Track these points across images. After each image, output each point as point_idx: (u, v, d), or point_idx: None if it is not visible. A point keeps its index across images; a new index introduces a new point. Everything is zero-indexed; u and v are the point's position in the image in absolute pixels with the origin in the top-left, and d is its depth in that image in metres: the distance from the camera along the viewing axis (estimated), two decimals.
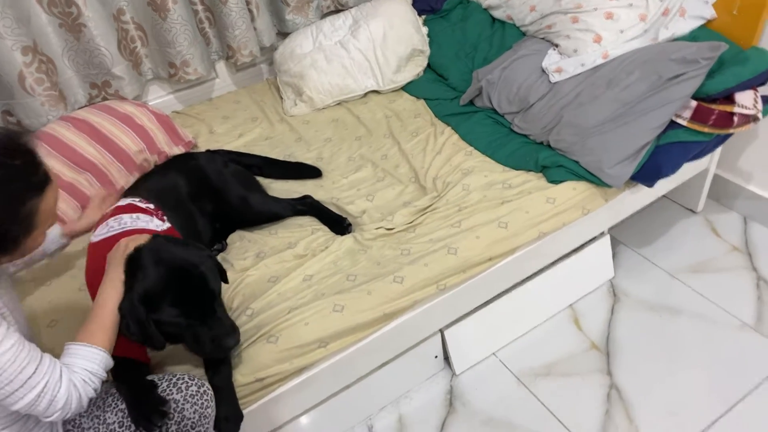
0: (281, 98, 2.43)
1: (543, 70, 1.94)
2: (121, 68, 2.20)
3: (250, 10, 2.35)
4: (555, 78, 1.89)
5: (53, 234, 1.51)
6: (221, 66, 2.54)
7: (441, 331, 1.71)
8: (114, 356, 1.16)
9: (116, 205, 1.50)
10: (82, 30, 2.07)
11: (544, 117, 1.86)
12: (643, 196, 1.87)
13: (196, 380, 1.21)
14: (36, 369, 0.97)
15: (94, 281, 1.43)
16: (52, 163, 1.88)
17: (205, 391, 1.21)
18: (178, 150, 2.12)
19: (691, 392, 1.64)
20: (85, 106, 2.21)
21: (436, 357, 1.77)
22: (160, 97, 2.45)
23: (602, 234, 1.93)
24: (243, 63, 2.43)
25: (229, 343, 1.26)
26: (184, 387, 1.18)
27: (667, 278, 1.99)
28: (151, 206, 1.50)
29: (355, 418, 1.70)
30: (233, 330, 1.28)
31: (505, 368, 1.79)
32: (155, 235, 1.34)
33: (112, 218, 1.46)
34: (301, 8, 2.49)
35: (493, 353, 1.84)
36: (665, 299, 1.92)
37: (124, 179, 1.98)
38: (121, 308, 1.21)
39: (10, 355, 0.94)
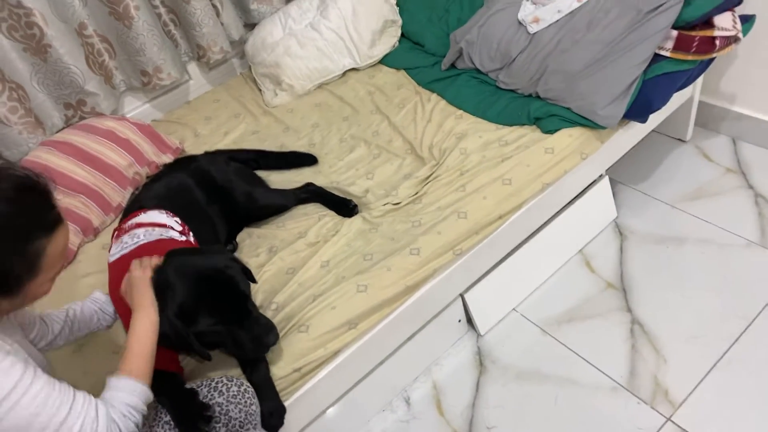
0: (260, 90, 2.40)
1: (520, 23, 1.93)
2: (94, 84, 2.14)
3: (214, 6, 2.30)
4: (533, 29, 1.89)
5: (109, 308, 1.41)
6: (193, 67, 2.49)
7: (461, 295, 1.73)
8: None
9: (136, 221, 1.47)
10: (47, 51, 2.01)
11: (528, 69, 1.86)
12: (635, 132, 1.90)
13: (235, 380, 1.22)
14: (70, 409, 0.92)
15: (116, 297, 1.42)
16: None
17: (245, 389, 1.22)
18: (167, 158, 2.09)
19: (710, 314, 1.68)
20: (64, 128, 2.16)
21: (459, 321, 1.80)
22: (136, 108, 2.41)
23: (601, 176, 1.95)
24: (215, 60, 2.38)
25: (269, 340, 1.27)
26: (225, 389, 1.19)
27: (668, 209, 2.03)
28: (176, 220, 1.49)
29: (391, 392, 1.72)
30: (271, 327, 1.28)
31: (527, 321, 1.83)
32: (171, 251, 1.33)
33: (127, 234, 1.45)
34: None
35: (513, 309, 1.87)
36: (670, 230, 1.96)
37: (119, 196, 1.95)
38: (162, 330, 1.20)
39: (41, 399, 0.89)
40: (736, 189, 2.02)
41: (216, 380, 1.20)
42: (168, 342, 1.22)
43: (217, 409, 1.16)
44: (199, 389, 1.19)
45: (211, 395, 1.18)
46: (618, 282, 1.85)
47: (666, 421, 1.50)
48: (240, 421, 1.19)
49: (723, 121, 2.20)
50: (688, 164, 2.17)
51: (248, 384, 1.24)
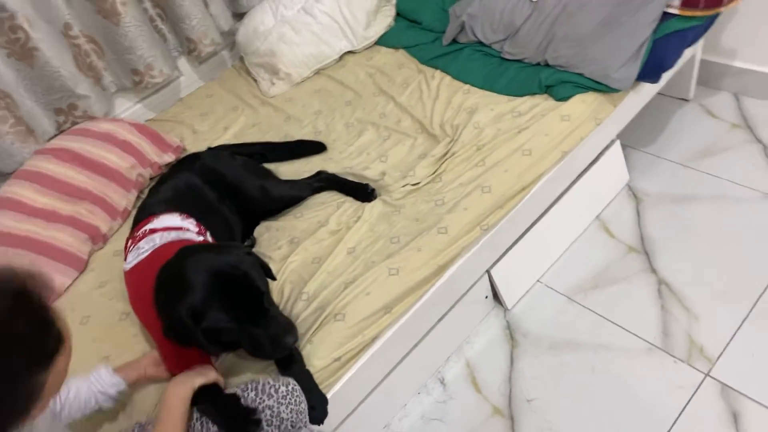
0: (255, 81, 2.34)
1: None
2: (85, 86, 2.06)
3: None
4: None
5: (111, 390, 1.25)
6: (183, 62, 2.41)
7: (487, 271, 1.71)
8: None
9: (150, 227, 1.42)
10: (33, 55, 1.92)
11: (534, 37, 1.84)
12: (644, 94, 1.89)
13: (281, 380, 1.18)
14: None
15: (138, 306, 1.37)
16: (46, 200, 1.77)
17: (293, 388, 1.18)
18: (168, 158, 2.02)
19: (735, 268, 1.69)
20: (56, 134, 2.08)
21: (486, 297, 1.78)
22: (127, 109, 2.33)
23: (612, 141, 1.94)
24: (206, 54, 2.31)
25: (288, 341, 1.20)
26: (273, 391, 1.16)
27: (680, 169, 2.03)
28: (191, 222, 1.44)
29: (425, 374, 1.71)
30: (291, 327, 1.22)
31: (553, 291, 1.82)
32: (184, 247, 1.29)
33: (142, 240, 1.40)
34: None
35: (538, 280, 1.86)
36: (684, 189, 1.96)
37: (124, 200, 1.89)
38: (168, 328, 1.17)
39: None
40: (744, 143, 2.03)
41: (262, 382, 1.16)
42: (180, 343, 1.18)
43: (268, 411, 1.13)
44: (245, 393, 1.15)
45: (261, 398, 1.14)
46: (639, 245, 1.85)
47: (705, 377, 1.51)
48: (291, 421, 1.16)
49: (724, 78, 2.20)
50: (693, 123, 2.17)
51: (294, 382, 1.20)
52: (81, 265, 1.75)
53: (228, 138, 2.08)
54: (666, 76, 1.89)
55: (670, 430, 1.44)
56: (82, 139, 1.91)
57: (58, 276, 1.69)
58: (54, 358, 0.78)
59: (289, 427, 1.15)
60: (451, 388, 1.68)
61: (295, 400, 1.16)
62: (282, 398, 1.14)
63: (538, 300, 1.81)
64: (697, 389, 1.49)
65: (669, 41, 1.69)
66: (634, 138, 2.17)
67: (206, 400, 1.17)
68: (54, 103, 2.07)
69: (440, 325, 1.65)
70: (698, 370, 1.52)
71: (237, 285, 1.18)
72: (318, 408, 1.27)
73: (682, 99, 2.26)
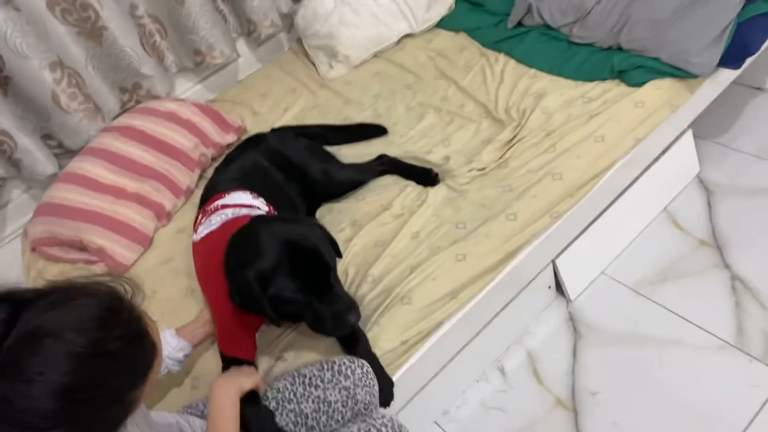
0: (313, 64, 2.33)
1: None
2: (150, 66, 2.09)
3: None
4: None
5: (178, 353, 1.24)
6: (241, 44, 2.42)
7: (552, 261, 1.67)
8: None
9: (221, 202, 1.43)
10: (102, 34, 1.96)
11: (607, 19, 1.77)
12: (722, 81, 1.79)
13: (356, 362, 1.18)
14: None
15: (205, 276, 1.39)
16: (114, 177, 1.81)
17: (368, 370, 1.18)
18: (230, 138, 2.04)
19: None
20: (121, 113, 2.12)
21: (549, 288, 1.74)
22: (188, 90, 2.35)
23: (684, 130, 1.86)
24: (266, 35, 2.31)
25: (350, 319, 1.20)
26: (350, 372, 1.15)
27: (754, 160, 1.94)
28: (261, 201, 1.45)
29: (485, 363, 1.69)
30: (354, 306, 1.22)
31: (618, 283, 1.77)
32: (255, 216, 1.30)
33: (214, 214, 1.41)
34: None
35: (602, 272, 1.81)
36: (759, 181, 1.87)
37: (187, 178, 1.91)
38: (235, 291, 1.18)
39: None
40: None
41: (338, 363, 1.16)
42: (242, 307, 1.19)
43: (344, 393, 1.13)
44: (320, 373, 1.15)
45: (337, 379, 1.14)
46: (711, 238, 1.78)
47: None
48: (365, 403, 1.15)
49: None
50: None
51: (368, 365, 1.20)
52: (146, 242, 1.78)
53: (288, 119, 2.08)
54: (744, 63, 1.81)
55: (746, 430, 1.38)
56: (148, 118, 1.94)
57: (125, 251, 1.73)
58: (149, 372, 0.75)
59: (362, 410, 1.15)
60: (512, 377, 1.66)
61: (370, 383, 1.16)
62: (358, 380, 1.14)
63: (602, 292, 1.76)
64: None
65: (755, 24, 1.60)
66: (705, 128, 2.07)
67: (245, 407, 1.12)
68: (119, 82, 2.11)
69: (502, 314, 1.62)
70: None
71: (306, 256, 1.19)
72: (385, 391, 1.26)
73: (757, 88, 2.15)
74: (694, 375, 1.51)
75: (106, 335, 0.69)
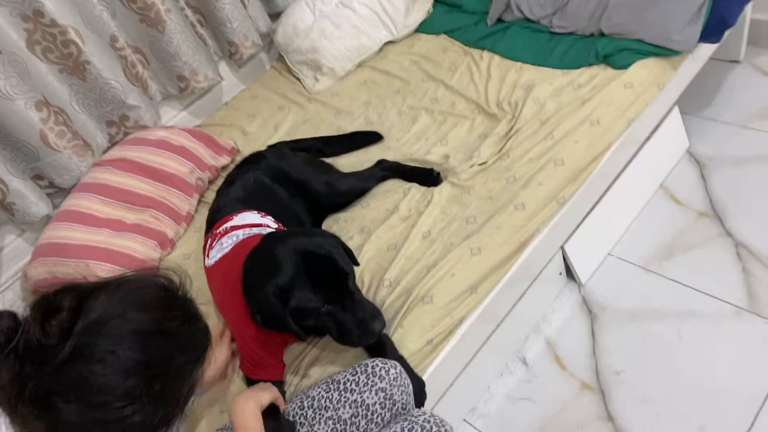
0: (298, 79, 2.33)
1: None
2: (135, 96, 2.07)
3: None
4: None
5: None
6: (222, 67, 2.41)
7: (561, 247, 1.69)
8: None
9: (230, 224, 1.42)
10: (85, 68, 1.93)
11: (586, 8, 1.81)
12: (702, 56, 1.85)
13: (388, 363, 1.17)
14: None
15: (223, 299, 1.37)
16: (111, 210, 1.78)
17: (401, 370, 1.17)
18: (224, 160, 2.03)
19: None
20: (110, 147, 2.10)
21: (560, 274, 1.76)
22: (173, 117, 2.33)
23: (671, 107, 1.91)
24: (248, 56, 2.31)
25: (376, 327, 1.18)
26: (384, 372, 1.14)
27: (738, 130, 1.99)
28: (269, 219, 1.44)
29: (506, 355, 1.69)
30: (377, 312, 1.20)
31: (626, 263, 1.79)
32: (268, 233, 1.30)
33: (225, 236, 1.40)
34: None
35: (609, 253, 1.83)
36: (748, 150, 1.92)
37: (187, 204, 1.89)
38: (256, 310, 1.17)
39: None
40: None
41: (371, 365, 1.15)
42: (265, 325, 1.18)
43: (381, 394, 1.12)
44: (354, 377, 1.14)
45: (372, 381, 1.13)
46: (709, 209, 1.82)
47: None
48: (402, 404, 1.14)
49: None
50: (747, 84, 2.13)
51: (400, 365, 1.19)
52: (153, 269, 1.75)
53: (280, 136, 2.07)
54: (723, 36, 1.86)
55: None
56: (139, 148, 1.92)
57: None
58: (207, 351, 0.79)
59: (400, 410, 1.14)
60: (535, 367, 1.66)
61: (404, 382, 1.15)
62: (393, 380, 1.13)
63: (612, 273, 1.79)
64: None
65: None
66: (689, 104, 2.12)
67: (266, 421, 1.10)
68: (106, 116, 2.08)
69: (518, 305, 1.62)
70: None
71: (322, 265, 1.18)
72: (418, 391, 1.26)
73: (733, 61, 2.22)
74: (713, 343, 1.53)
75: (167, 314, 0.74)
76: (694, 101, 2.13)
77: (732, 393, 1.43)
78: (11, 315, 0.70)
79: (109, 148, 2.11)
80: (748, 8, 2.03)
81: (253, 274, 1.22)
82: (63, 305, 0.70)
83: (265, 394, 1.11)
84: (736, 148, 1.94)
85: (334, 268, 1.19)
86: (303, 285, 1.16)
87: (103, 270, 1.67)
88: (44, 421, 0.68)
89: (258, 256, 1.24)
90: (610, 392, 1.54)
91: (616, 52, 1.72)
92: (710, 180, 1.89)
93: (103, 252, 1.70)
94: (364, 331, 1.19)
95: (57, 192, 2.04)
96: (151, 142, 1.94)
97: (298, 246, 1.20)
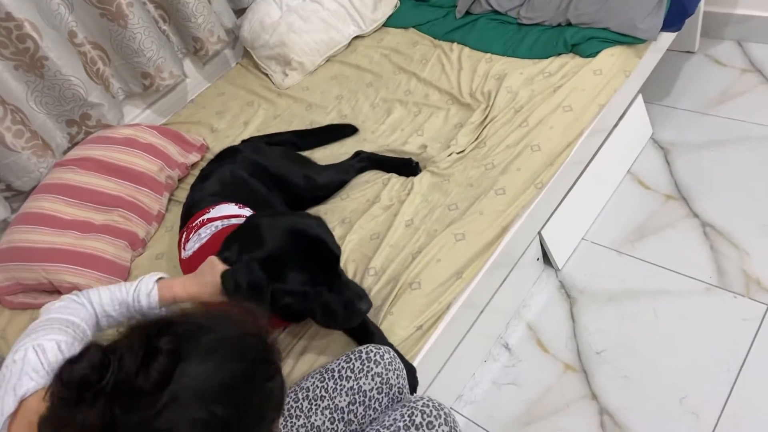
0: (266, 75, 2.30)
1: None
2: (97, 94, 1.99)
3: None
4: None
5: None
6: (187, 64, 2.35)
7: (539, 233, 1.71)
8: None
9: (207, 217, 1.38)
10: (43, 64, 1.85)
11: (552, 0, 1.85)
12: (663, 44, 1.92)
13: (382, 348, 1.15)
14: None
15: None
16: (77, 212, 1.71)
17: (394, 355, 1.16)
18: (194, 157, 1.98)
19: None
20: (71, 147, 2.01)
21: (537, 259, 1.78)
22: (137, 116, 2.26)
23: (636, 95, 1.97)
24: (213, 51, 2.27)
25: (362, 307, 1.16)
26: (379, 358, 1.12)
27: (699, 117, 2.08)
28: (247, 210, 1.40)
29: (490, 342, 1.70)
30: (364, 293, 1.18)
31: (600, 246, 1.83)
32: (253, 214, 1.26)
33: (202, 228, 1.36)
34: None
35: (582, 238, 1.87)
36: (708, 134, 2.00)
37: (157, 203, 1.83)
38: (231, 275, 1.07)
39: None
40: (757, 86, 2.08)
41: (365, 351, 1.13)
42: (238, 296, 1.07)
43: (378, 379, 1.10)
44: (348, 364, 1.12)
45: (368, 367, 1.11)
46: (675, 192, 1.88)
47: None
48: (398, 387, 1.13)
49: (726, 26, 2.26)
50: (703, 73, 2.22)
51: (400, 355, 1.18)
52: (125, 273, 1.69)
53: (251, 132, 2.04)
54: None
55: (745, 360, 1.46)
56: (104, 147, 1.85)
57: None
58: (283, 402, 0.76)
59: (397, 394, 1.12)
60: (518, 352, 1.68)
61: (399, 367, 1.14)
62: (388, 365, 1.12)
63: (587, 257, 1.83)
64: (762, 319, 1.52)
65: None
66: (650, 92, 2.19)
67: None
68: (66, 114, 2.00)
69: (499, 292, 1.64)
70: (759, 302, 1.56)
71: (313, 245, 1.14)
72: (410, 375, 1.25)
73: (688, 52, 2.31)
74: (687, 319, 1.58)
75: (261, 367, 0.71)
76: (654, 90, 2.21)
77: (709, 366, 1.48)
78: (98, 347, 0.65)
79: (70, 148, 2.02)
80: (701, 1, 2.13)
81: (236, 244, 1.12)
82: (162, 347, 0.65)
83: None
84: (696, 133, 2.02)
85: (324, 249, 1.15)
86: (293, 264, 1.10)
87: (72, 273, 1.60)
88: None
89: (243, 231, 1.17)
90: (593, 372, 1.57)
91: (583, 41, 1.77)
92: (674, 165, 1.97)
93: (71, 254, 1.62)
94: (351, 311, 1.16)
95: (15, 195, 1.94)
96: (116, 140, 1.87)
97: (287, 224, 1.15)
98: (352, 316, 1.18)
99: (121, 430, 0.62)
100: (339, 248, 1.20)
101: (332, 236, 1.20)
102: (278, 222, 1.16)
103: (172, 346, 0.65)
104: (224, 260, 1.09)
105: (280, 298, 1.11)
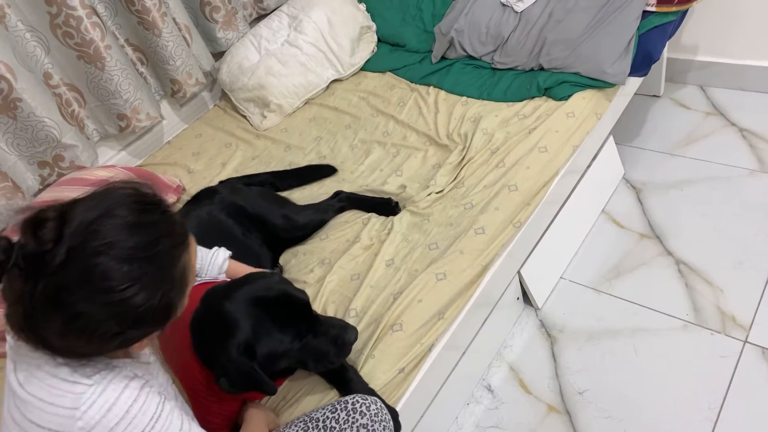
0: (244, 117, 2.31)
1: (504, 4, 2.00)
2: (71, 135, 1.96)
3: (183, 37, 2.19)
4: (520, 7, 1.96)
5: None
6: (164, 105, 2.35)
7: (518, 272, 1.72)
8: None
9: None
10: (17, 106, 1.82)
11: (525, 45, 1.92)
12: (631, 88, 2.00)
13: (368, 399, 1.13)
14: None
15: (170, 351, 1.27)
16: None
17: (381, 406, 1.13)
18: (170, 198, 1.95)
19: (745, 238, 1.78)
20: (41, 189, 1.97)
21: (517, 299, 1.79)
22: (112, 157, 2.23)
23: (607, 137, 2.03)
24: (191, 93, 2.27)
25: (350, 337, 1.17)
26: (365, 409, 1.10)
27: (667, 158, 2.14)
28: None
29: (472, 383, 1.68)
30: (346, 324, 1.19)
31: (578, 285, 1.85)
32: (207, 291, 1.21)
33: None
34: (229, 22, 2.37)
35: (560, 277, 1.89)
36: (677, 174, 2.07)
37: None
38: (221, 373, 1.09)
39: None
40: (721, 128, 2.17)
41: (351, 401, 1.10)
42: (233, 388, 1.10)
43: (363, 430, 1.07)
44: (333, 414, 1.09)
45: (353, 418, 1.08)
46: (649, 231, 1.92)
47: (744, 344, 1.56)
48: None
49: (688, 72, 2.37)
50: (669, 115, 2.31)
51: (381, 399, 1.15)
52: None
53: (228, 173, 2.02)
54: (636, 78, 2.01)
55: (725, 398, 1.47)
56: (78, 189, 1.80)
57: None
58: (188, 239, 0.87)
59: None
60: (500, 393, 1.66)
61: (385, 418, 1.11)
62: (374, 416, 1.09)
63: (565, 295, 1.84)
64: (740, 356, 1.54)
65: (652, 35, 1.81)
66: (620, 134, 2.27)
67: None
68: (38, 156, 1.96)
69: (480, 333, 1.63)
70: (736, 339, 1.57)
71: (280, 304, 1.13)
72: (393, 422, 1.21)
73: (654, 96, 2.41)
74: (667, 356, 1.59)
75: (144, 207, 0.82)
76: (624, 132, 2.28)
77: (690, 404, 1.48)
78: (2, 237, 0.75)
79: (41, 191, 1.98)
80: (665, 48, 2.23)
81: (208, 338, 1.12)
82: (48, 216, 0.76)
83: (273, 420, 1.17)
84: (667, 173, 2.09)
85: (293, 301, 1.15)
86: (268, 331, 1.10)
87: None
88: (58, 316, 0.74)
89: (206, 319, 1.14)
90: (576, 412, 1.56)
91: (555, 84, 1.83)
92: (646, 203, 2.01)
93: None
94: (341, 346, 1.17)
95: None
96: (91, 182, 1.84)
97: (246, 296, 1.13)
98: (343, 350, 1.18)
99: (41, 283, 0.72)
100: (304, 292, 1.19)
101: (291, 284, 1.20)
102: (238, 297, 1.12)
103: (54, 213, 0.76)
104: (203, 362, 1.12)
105: (271, 367, 1.12)
